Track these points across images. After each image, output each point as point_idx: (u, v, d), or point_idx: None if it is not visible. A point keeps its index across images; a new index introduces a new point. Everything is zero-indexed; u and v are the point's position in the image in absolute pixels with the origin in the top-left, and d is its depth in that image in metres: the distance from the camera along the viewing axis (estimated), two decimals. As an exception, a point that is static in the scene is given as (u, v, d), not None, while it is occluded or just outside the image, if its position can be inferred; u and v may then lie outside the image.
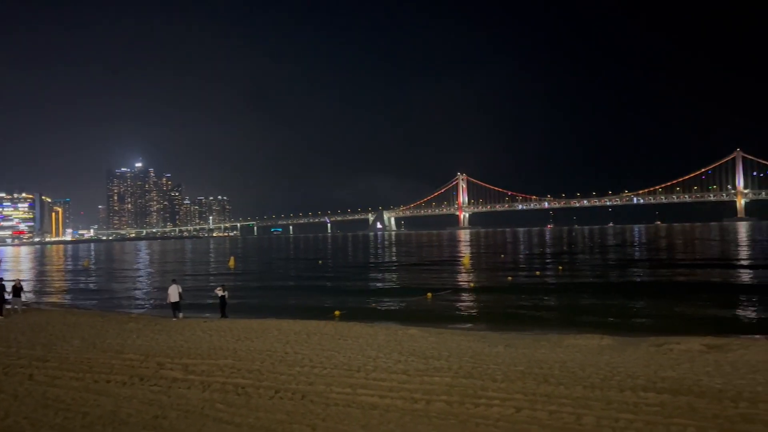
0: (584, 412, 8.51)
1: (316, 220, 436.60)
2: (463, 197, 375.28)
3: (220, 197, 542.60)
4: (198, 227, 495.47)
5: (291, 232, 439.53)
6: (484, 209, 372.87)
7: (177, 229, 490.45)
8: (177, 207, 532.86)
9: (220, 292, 22.28)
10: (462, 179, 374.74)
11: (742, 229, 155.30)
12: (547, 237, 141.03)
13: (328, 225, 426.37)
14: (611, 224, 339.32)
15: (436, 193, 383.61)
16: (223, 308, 21.93)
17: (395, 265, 54.22)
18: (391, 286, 35.07)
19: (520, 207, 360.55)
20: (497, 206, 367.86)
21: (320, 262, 63.60)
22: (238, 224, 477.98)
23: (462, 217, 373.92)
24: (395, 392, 9.99)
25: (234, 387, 10.70)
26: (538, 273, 39.90)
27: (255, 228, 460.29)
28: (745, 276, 34.76)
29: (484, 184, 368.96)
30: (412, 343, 14.88)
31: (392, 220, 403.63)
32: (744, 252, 57.93)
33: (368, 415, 8.84)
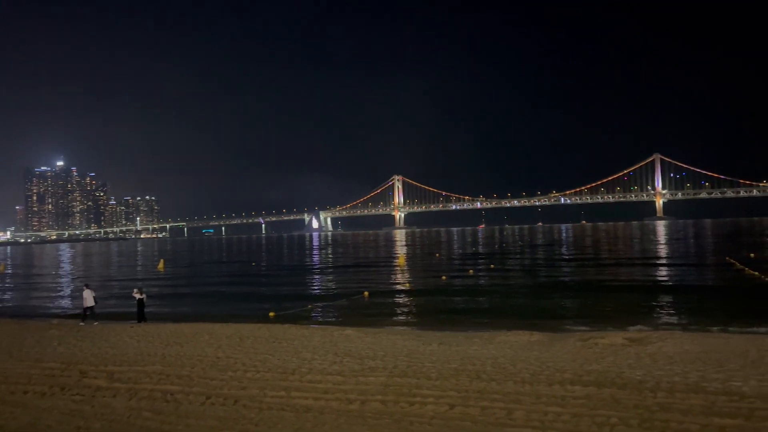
0: (515, 407, 8.74)
1: (250, 220, 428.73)
2: (398, 197, 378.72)
3: (148, 197, 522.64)
4: (125, 228, 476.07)
5: (223, 234, 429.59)
6: (419, 209, 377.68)
7: (102, 230, 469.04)
8: (102, 208, 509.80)
9: (137, 295, 21.27)
10: (398, 180, 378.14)
11: (661, 227, 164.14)
12: (480, 236, 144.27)
13: (263, 226, 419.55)
14: (540, 223, 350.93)
15: (372, 194, 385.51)
16: (140, 312, 20.98)
17: (332, 266, 54.03)
18: (327, 286, 34.90)
19: (453, 207, 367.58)
20: (432, 206, 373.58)
21: (254, 263, 62.50)
22: (168, 225, 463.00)
23: (398, 217, 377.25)
24: (330, 394, 9.93)
25: (162, 394, 10.33)
26: (471, 272, 40.75)
27: (185, 229, 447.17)
28: (663, 273, 36.73)
29: (419, 184, 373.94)
30: (347, 344, 14.85)
31: (328, 220, 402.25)
32: (661, 250, 61.28)
33: (302, 418, 8.75)
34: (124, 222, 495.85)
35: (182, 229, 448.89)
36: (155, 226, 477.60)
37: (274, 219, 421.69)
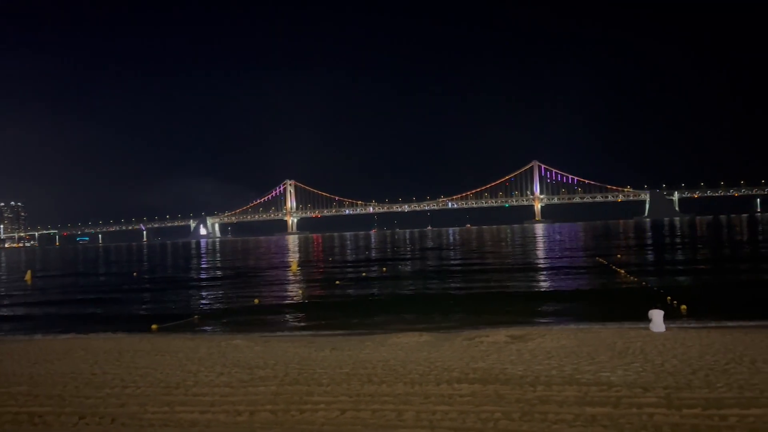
0: (405, 408, 8.89)
1: (131, 227, 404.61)
2: (290, 202, 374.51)
3: (13, 203, 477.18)
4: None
5: (101, 241, 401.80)
6: (312, 214, 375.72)
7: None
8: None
9: None
10: (290, 184, 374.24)
11: (538, 230, 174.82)
12: (373, 240, 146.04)
13: (144, 233, 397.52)
14: (430, 227, 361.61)
15: (263, 198, 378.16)
16: None
17: (220, 274, 52.27)
18: (215, 295, 33.67)
19: (347, 212, 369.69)
20: (325, 211, 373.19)
21: (135, 273, 59.03)
22: (36, 233, 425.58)
23: (290, 222, 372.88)
24: (217, 406, 9.56)
25: (29, 416, 9.44)
26: (364, 274, 41.12)
27: (57, 237, 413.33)
28: (540, 273, 39.09)
29: (311, 189, 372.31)
30: (236, 354, 14.40)
31: (216, 226, 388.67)
32: (539, 252, 65.28)
33: (187, 434, 8.34)
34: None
35: (54, 237, 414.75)
36: (22, 234, 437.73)
37: (157, 225, 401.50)
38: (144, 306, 29.80)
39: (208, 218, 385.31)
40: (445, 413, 8.60)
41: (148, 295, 35.38)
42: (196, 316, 24.22)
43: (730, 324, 17.21)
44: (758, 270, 33.94)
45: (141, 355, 14.51)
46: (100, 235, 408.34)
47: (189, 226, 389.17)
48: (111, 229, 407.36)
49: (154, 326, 21.47)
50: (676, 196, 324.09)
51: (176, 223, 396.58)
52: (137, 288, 40.83)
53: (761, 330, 15.23)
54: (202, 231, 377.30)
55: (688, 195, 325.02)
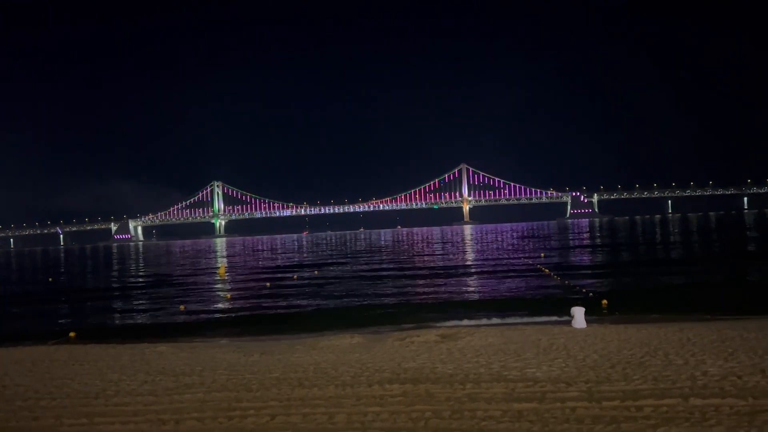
0: (336, 411, 8.83)
1: (46, 230, 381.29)
2: (219, 204, 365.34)
3: None
4: None
5: (12, 246, 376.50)
6: (241, 216, 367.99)
7: None
8: None
9: None
10: (218, 186, 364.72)
11: (467, 231, 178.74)
12: (304, 243, 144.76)
13: (61, 236, 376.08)
14: (362, 229, 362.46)
15: (189, 200, 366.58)
16: None
17: (143, 279, 50.30)
18: (138, 301, 32.33)
19: (277, 214, 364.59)
20: (255, 213, 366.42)
21: (51, 279, 55.87)
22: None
23: (218, 224, 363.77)
24: (140, 416, 9.16)
25: (-73, 437, 8.72)
26: (295, 277, 40.66)
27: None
28: (471, 273, 39.99)
29: (241, 190, 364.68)
30: (161, 361, 13.88)
31: (139, 229, 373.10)
32: (469, 253, 66.83)
33: (108, 446, 7.95)
34: None
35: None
36: None
37: (75, 229, 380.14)
38: (60, 314, 28.20)
39: (130, 221, 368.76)
40: (377, 414, 8.61)
41: (65, 302, 33.52)
42: (117, 323, 23.19)
43: (646, 318, 18.26)
44: (670, 268, 36.09)
45: (57, 365, 13.72)
46: (11, 239, 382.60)
47: (110, 229, 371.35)
48: (23, 233, 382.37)
49: (71, 334, 20.38)
50: (595, 198, 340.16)
51: (96, 226, 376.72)
52: (53, 294, 38.61)
53: (673, 324, 16.19)
54: (124, 234, 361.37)
55: (607, 197, 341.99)
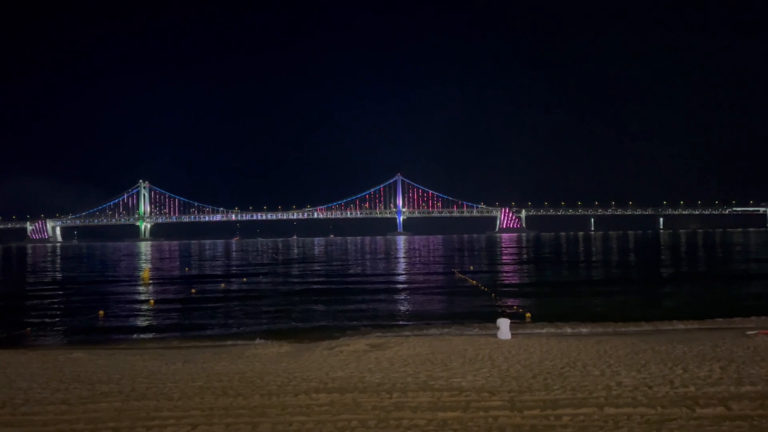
0: (261, 420, 8.67)
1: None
2: (145, 206, 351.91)
3: None
4: None
5: None
6: (168, 220, 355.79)
7: None
8: None
9: None
10: (144, 187, 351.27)
11: (400, 242, 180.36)
12: (234, 249, 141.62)
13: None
14: (295, 236, 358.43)
15: (113, 200, 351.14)
16: None
17: (61, 282, 47.75)
18: (54, 306, 30.61)
19: (207, 219, 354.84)
20: (183, 217, 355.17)
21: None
22: None
23: (143, 227, 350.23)
24: (51, 426, 8.66)
25: None
26: (223, 285, 39.69)
27: None
28: (400, 282, 40.33)
29: (169, 193, 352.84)
30: (76, 368, 13.20)
31: (58, 229, 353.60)
32: (401, 263, 67.45)
33: (12, 459, 7.46)
34: None
35: None
36: None
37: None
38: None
39: (48, 220, 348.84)
40: (302, 423, 8.51)
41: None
42: (28, 329, 21.87)
43: (567, 330, 19.02)
44: (590, 281, 37.71)
45: (-42, 373, 12.77)
46: None
47: (25, 228, 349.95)
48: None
49: (-24, 340, 19.05)
50: (523, 213, 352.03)
51: (9, 225, 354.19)
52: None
53: (591, 337, 16.94)
54: (42, 234, 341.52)
55: (534, 213, 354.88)
